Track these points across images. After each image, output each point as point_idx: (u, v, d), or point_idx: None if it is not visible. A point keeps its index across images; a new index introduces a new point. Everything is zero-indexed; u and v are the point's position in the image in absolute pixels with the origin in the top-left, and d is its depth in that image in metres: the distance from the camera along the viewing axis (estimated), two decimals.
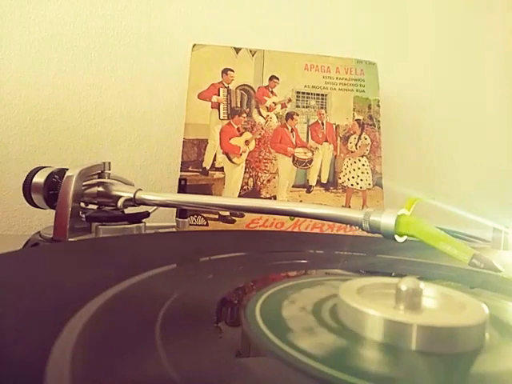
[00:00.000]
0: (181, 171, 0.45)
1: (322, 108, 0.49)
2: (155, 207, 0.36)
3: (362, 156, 0.49)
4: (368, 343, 0.14)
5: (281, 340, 0.14)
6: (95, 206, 0.36)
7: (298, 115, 0.48)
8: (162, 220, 0.39)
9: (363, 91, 0.50)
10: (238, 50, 0.49)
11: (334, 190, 0.47)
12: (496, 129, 0.64)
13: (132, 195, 0.34)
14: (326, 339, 0.14)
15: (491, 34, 0.65)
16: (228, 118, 0.47)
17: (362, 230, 0.26)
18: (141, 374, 0.11)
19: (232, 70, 0.48)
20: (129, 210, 0.35)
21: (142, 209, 0.36)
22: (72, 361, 0.11)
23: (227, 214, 0.44)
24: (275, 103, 0.48)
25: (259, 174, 0.46)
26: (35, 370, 0.11)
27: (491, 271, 0.21)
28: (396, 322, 0.13)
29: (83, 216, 0.33)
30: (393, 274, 0.24)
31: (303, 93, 0.49)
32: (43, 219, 0.48)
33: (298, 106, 0.48)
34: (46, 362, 0.11)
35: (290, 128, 0.48)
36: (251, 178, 0.46)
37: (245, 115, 0.47)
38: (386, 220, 0.25)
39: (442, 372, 0.12)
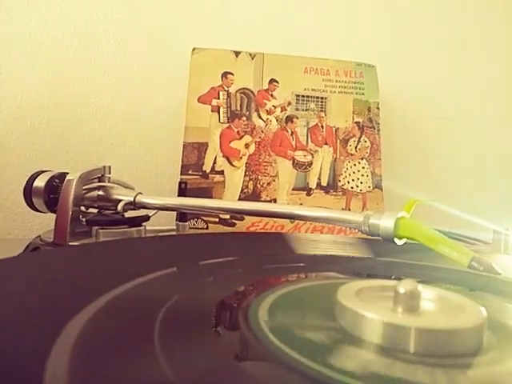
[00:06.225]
0: (181, 174, 0.45)
1: (321, 111, 0.49)
2: (155, 211, 0.36)
3: (362, 158, 0.49)
4: (366, 346, 0.14)
5: (281, 343, 0.14)
6: (95, 210, 0.36)
7: (297, 118, 0.48)
8: (162, 223, 0.39)
9: (363, 94, 0.50)
10: (237, 53, 0.49)
11: (334, 193, 0.48)
12: (496, 130, 0.64)
13: (132, 199, 0.34)
14: (324, 342, 0.14)
15: (491, 35, 0.65)
16: (228, 122, 0.47)
17: (362, 232, 0.26)
18: (139, 377, 0.11)
19: (232, 74, 0.48)
20: (129, 214, 0.35)
21: (142, 212, 0.36)
22: (70, 363, 0.11)
23: (227, 217, 0.44)
24: (275, 106, 0.48)
25: (259, 177, 0.46)
26: (33, 372, 0.11)
27: (491, 274, 0.21)
28: (394, 325, 0.14)
29: (83, 220, 0.33)
30: (392, 277, 0.24)
31: (303, 96, 0.49)
32: (44, 223, 0.48)
33: (297, 109, 0.49)
34: (44, 364, 0.11)
35: (289, 131, 0.48)
36: (251, 181, 0.46)
37: (245, 118, 0.47)
38: (386, 223, 0.25)
39: (439, 375, 0.12)
